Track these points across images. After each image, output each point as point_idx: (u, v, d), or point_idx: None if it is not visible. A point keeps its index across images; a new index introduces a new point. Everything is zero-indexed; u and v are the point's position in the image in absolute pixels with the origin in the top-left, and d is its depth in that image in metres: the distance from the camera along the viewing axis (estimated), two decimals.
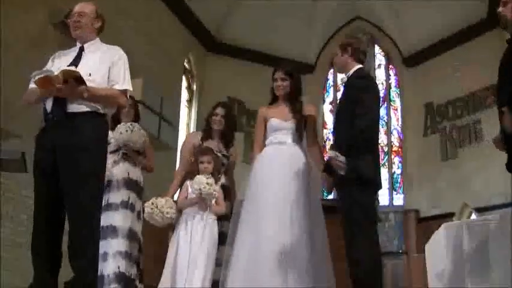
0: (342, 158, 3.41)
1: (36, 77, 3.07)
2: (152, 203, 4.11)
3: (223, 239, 3.98)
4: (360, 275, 3.40)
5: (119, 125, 4.42)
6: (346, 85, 3.88)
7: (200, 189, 4.02)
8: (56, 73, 3.07)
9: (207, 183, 4.03)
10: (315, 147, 4.03)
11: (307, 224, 3.63)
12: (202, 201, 4.09)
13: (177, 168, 4.66)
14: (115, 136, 4.36)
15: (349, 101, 3.64)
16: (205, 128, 4.63)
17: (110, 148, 4.40)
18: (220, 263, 3.89)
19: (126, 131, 4.36)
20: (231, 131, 4.66)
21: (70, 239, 3.09)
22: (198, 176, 4.11)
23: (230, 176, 4.58)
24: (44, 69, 3.18)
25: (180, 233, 4.07)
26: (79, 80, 3.09)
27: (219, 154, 4.42)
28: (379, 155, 3.78)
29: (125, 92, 3.37)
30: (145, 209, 4.14)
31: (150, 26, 8.94)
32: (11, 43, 5.72)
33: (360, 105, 3.51)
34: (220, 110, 4.58)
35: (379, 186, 3.69)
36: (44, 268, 3.14)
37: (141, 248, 4.36)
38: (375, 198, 3.72)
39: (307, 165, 3.83)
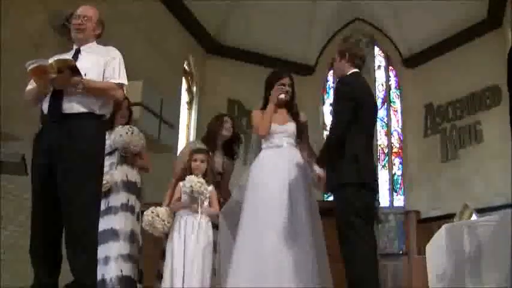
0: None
1: (30, 67, 3.06)
2: (152, 212, 4.13)
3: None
4: (352, 276, 3.43)
5: (117, 128, 4.41)
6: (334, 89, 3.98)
7: (191, 186, 4.02)
8: (50, 61, 3.07)
9: (198, 181, 4.04)
10: (309, 149, 4.08)
11: (310, 224, 3.64)
12: (193, 201, 4.10)
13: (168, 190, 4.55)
14: (115, 139, 4.35)
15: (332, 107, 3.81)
16: (208, 138, 4.66)
17: (106, 150, 4.41)
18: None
19: (126, 133, 4.36)
20: (238, 141, 4.75)
21: (68, 242, 3.08)
22: (189, 176, 4.12)
23: (225, 187, 4.63)
24: (38, 59, 3.16)
25: (174, 234, 4.07)
26: (73, 69, 3.08)
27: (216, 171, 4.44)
28: (367, 154, 3.73)
29: (121, 85, 3.37)
30: (145, 218, 4.15)
31: (150, 28, 8.93)
32: (11, 45, 5.72)
33: (332, 115, 3.70)
34: (227, 119, 4.69)
35: (369, 185, 3.66)
36: (44, 271, 3.13)
37: (141, 249, 4.37)
38: (371, 198, 3.69)
39: (305, 167, 3.85)
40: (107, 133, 4.39)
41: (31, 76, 3.11)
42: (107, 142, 4.38)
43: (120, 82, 3.36)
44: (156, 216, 4.11)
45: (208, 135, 4.68)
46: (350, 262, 3.44)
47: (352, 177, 3.54)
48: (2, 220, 5.47)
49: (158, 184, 4.91)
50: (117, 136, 4.34)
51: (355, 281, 3.42)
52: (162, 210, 4.15)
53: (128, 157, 4.42)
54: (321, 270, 3.58)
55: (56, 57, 3.17)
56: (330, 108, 12.35)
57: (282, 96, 3.93)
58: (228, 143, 4.70)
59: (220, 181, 4.56)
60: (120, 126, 4.42)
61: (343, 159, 3.57)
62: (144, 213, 4.20)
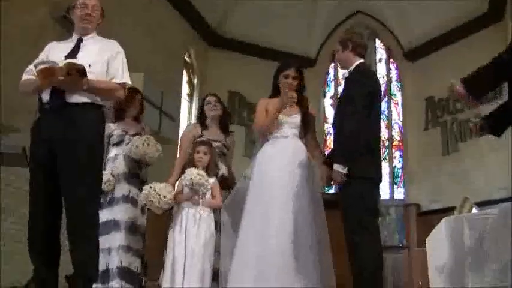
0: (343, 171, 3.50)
1: (39, 67, 3.05)
2: (150, 186, 4.10)
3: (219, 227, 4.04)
4: (360, 271, 3.42)
5: (135, 137, 4.39)
6: (346, 80, 3.89)
7: (191, 179, 4.02)
8: (60, 65, 3.06)
9: (198, 174, 4.04)
10: (314, 141, 4.09)
11: (311, 215, 3.65)
12: (194, 194, 4.09)
13: (176, 160, 4.67)
14: (131, 149, 4.33)
15: (347, 97, 3.67)
16: (200, 116, 4.76)
17: (113, 140, 4.42)
18: (218, 250, 3.94)
19: (143, 144, 4.32)
20: (228, 116, 4.83)
21: (69, 233, 3.08)
22: (189, 168, 4.12)
23: (229, 167, 4.62)
24: (47, 59, 3.16)
25: (176, 227, 4.08)
26: (82, 72, 3.09)
27: (219, 144, 4.46)
28: (378, 149, 3.78)
29: (123, 85, 3.39)
30: (143, 191, 4.12)
31: (150, 20, 8.91)
32: (11, 39, 5.70)
33: (350, 104, 3.55)
34: (211, 98, 4.74)
35: (379, 181, 3.72)
36: (43, 262, 3.13)
37: (145, 242, 4.37)
38: (376, 193, 3.72)
39: (308, 158, 3.85)
40: (116, 124, 4.45)
41: (38, 76, 3.10)
42: (116, 132, 4.41)
43: (124, 82, 3.39)
44: (152, 190, 4.06)
45: (199, 115, 4.82)
46: (358, 258, 3.43)
47: (371, 172, 3.55)
48: (3, 212, 5.48)
49: (160, 176, 4.92)
50: (133, 147, 4.33)
51: (362, 275, 3.41)
52: (159, 185, 4.10)
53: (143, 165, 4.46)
54: (323, 265, 3.58)
55: (61, 58, 3.15)
56: (331, 101, 12.34)
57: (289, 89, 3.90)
58: (223, 121, 4.77)
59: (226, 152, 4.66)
60: (138, 137, 4.40)
61: (362, 152, 3.56)
62: (143, 187, 4.18)
